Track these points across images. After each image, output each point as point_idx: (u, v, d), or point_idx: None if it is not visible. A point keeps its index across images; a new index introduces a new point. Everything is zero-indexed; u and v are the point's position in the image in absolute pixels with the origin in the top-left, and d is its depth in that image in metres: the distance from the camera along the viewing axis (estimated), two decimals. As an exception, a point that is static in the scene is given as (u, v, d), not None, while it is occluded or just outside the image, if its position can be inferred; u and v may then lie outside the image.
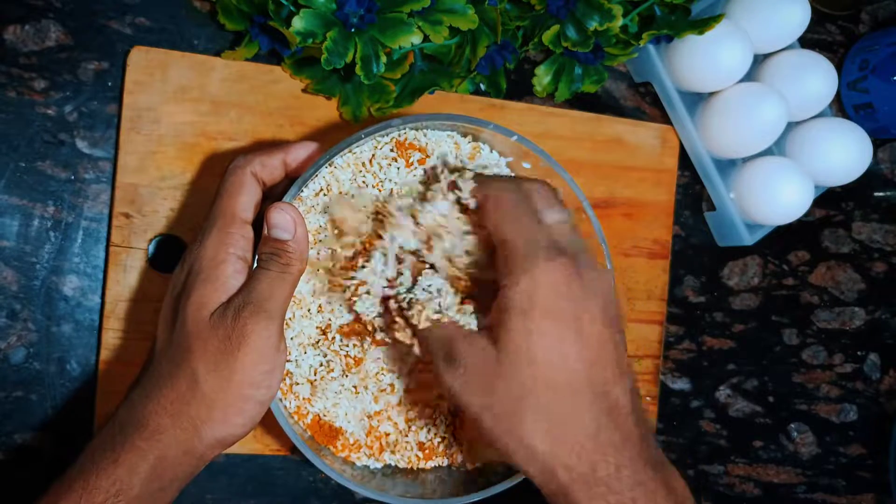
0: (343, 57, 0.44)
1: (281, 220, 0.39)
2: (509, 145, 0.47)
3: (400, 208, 0.42)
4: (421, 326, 0.39)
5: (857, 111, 0.64)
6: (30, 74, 0.47)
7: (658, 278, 0.59)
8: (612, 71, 0.59)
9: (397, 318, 0.41)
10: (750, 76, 0.57)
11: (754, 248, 0.63)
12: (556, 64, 0.55)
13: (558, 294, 0.35)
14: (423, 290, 0.40)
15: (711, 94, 0.58)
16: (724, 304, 0.63)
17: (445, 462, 0.47)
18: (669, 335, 0.61)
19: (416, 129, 0.46)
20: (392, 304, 0.42)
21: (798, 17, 0.56)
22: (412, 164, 0.45)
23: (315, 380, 0.44)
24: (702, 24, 0.52)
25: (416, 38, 0.46)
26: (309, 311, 0.44)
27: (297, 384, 0.45)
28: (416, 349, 0.41)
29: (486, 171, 0.45)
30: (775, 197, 0.57)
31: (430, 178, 0.45)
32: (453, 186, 0.41)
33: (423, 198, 0.43)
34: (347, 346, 0.45)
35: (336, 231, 0.44)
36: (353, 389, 0.45)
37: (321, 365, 0.44)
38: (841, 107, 0.65)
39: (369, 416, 0.46)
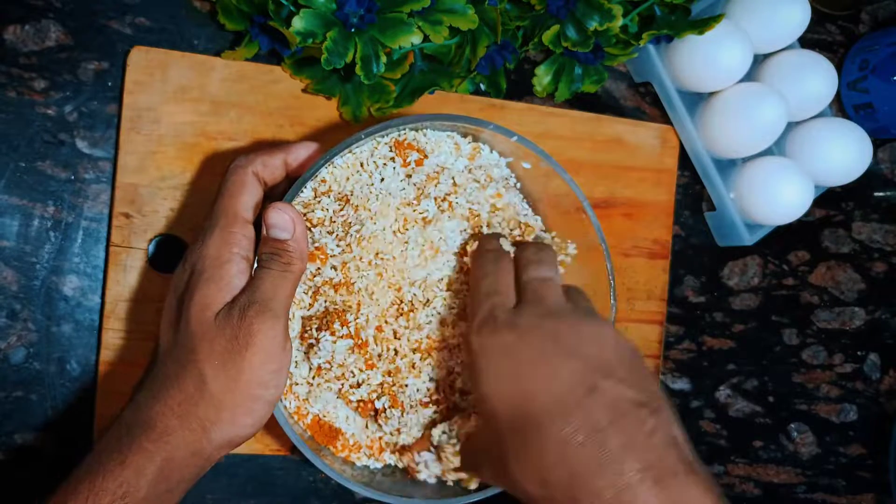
0: (343, 57, 0.44)
1: (279, 219, 0.40)
2: (509, 145, 0.47)
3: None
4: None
5: (857, 111, 0.64)
6: (30, 74, 0.47)
7: (658, 278, 0.59)
8: (612, 71, 0.59)
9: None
10: (750, 76, 0.57)
11: (754, 248, 0.63)
12: (556, 64, 0.55)
13: (492, 355, 0.38)
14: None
15: (711, 94, 0.58)
16: (724, 304, 0.63)
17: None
18: (669, 335, 0.61)
19: (416, 130, 0.46)
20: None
21: (798, 17, 0.56)
22: (409, 163, 0.45)
23: (313, 382, 0.44)
24: (702, 24, 0.52)
25: (416, 38, 0.46)
26: (308, 310, 0.44)
27: (297, 384, 0.45)
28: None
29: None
30: (775, 197, 0.57)
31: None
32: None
33: None
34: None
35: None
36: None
37: (319, 367, 0.44)
38: (841, 107, 0.65)
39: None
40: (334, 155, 0.42)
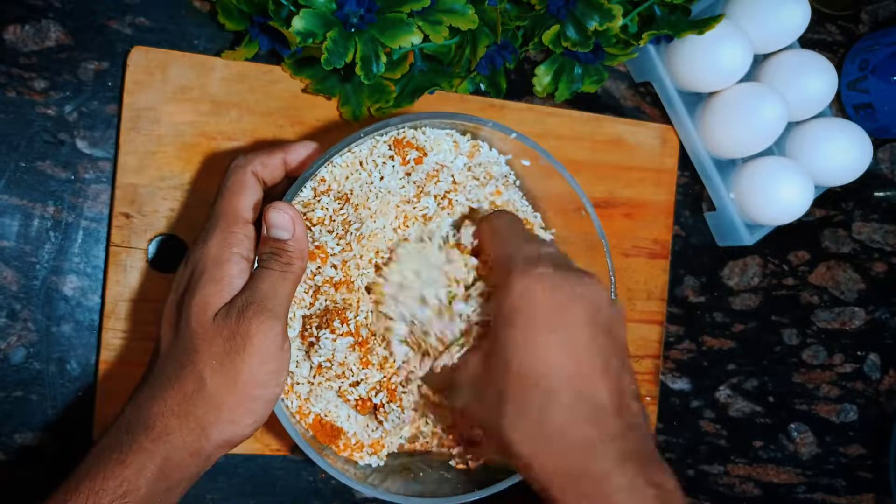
0: (343, 57, 0.44)
1: (279, 219, 0.40)
2: (509, 143, 0.47)
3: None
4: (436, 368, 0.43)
5: (857, 111, 0.64)
6: (30, 74, 0.47)
7: (658, 278, 0.59)
8: (612, 71, 0.59)
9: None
10: (750, 76, 0.57)
11: (754, 248, 0.63)
12: (556, 64, 0.55)
13: (535, 302, 0.37)
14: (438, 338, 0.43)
15: (711, 94, 0.58)
16: (724, 304, 0.63)
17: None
18: (669, 335, 0.61)
19: (416, 129, 0.46)
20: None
21: (798, 17, 0.56)
22: (408, 161, 0.45)
23: (314, 381, 0.44)
24: (702, 24, 0.52)
25: (416, 38, 0.46)
26: (309, 309, 0.44)
27: (298, 384, 0.45)
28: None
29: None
30: (775, 197, 0.57)
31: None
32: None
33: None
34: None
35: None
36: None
37: (320, 366, 0.44)
38: (841, 107, 0.65)
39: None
40: (333, 154, 0.42)
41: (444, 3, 0.47)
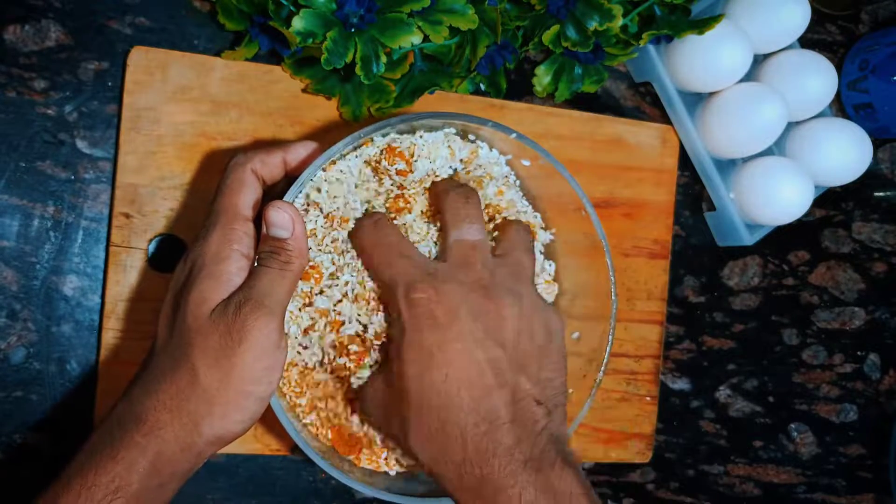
0: (343, 57, 0.44)
1: (279, 218, 0.40)
2: (509, 143, 0.47)
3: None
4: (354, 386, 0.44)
5: (857, 111, 0.64)
6: (30, 74, 0.47)
7: (658, 278, 0.59)
8: (612, 71, 0.59)
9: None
10: (750, 76, 0.57)
11: (754, 248, 0.63)
12: (556, 64, 0.55)
13: (419, 329, 0.38)
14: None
15: (711, 94, 0.58)
16: (724, 304, 0.63)
17: None
18: (669, 335, 0.61)
19: (413, 132, 0.46)
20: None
21: (798, 17, 0.56)
22: (391, 173, 0.45)
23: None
24: (702, 24, 0.52)
25: (416, 38, 0.46)
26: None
27: (319, 409, 0.45)
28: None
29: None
30: (775, 197, 0.57)
31: None
32: None
33: None
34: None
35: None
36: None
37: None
38: (841, 107, 0.65)
39: None
40: (333, 154, 0.42)
41: (444, 3, 0.47)
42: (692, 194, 0.61)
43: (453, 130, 0.47)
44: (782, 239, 0.64)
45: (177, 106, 0.48)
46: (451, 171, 0.47)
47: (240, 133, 0.49)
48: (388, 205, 0.45)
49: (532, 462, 0.36)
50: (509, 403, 0.38)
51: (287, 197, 0.42)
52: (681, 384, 0.62)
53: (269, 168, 0.42)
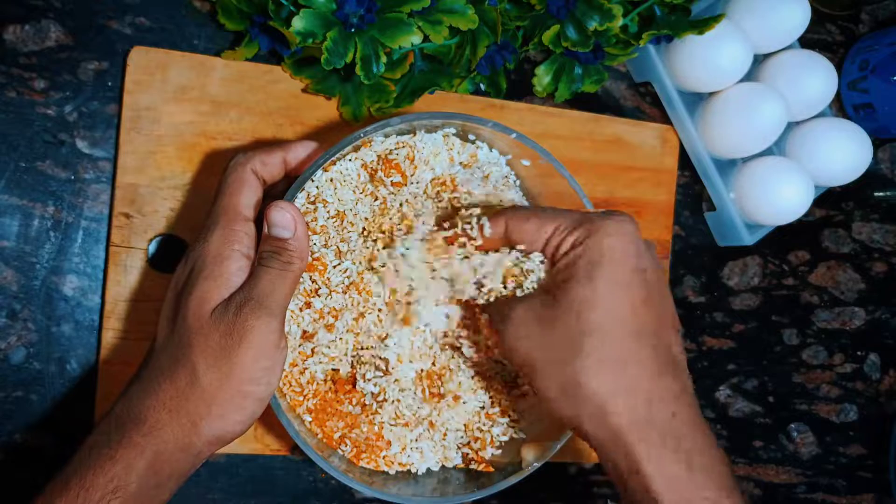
0: (343, 57, 0.44)
1: (281, 218, 0.40)
2: (509, 143, 0.47)
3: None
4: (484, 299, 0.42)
5: (857, 111, 0.64)
6: (30, 74, 0.47)
7: (658, 278, 0.59)
8: (612, 71, 0.59)
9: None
10: (750, 76, 0.57)
11: (754, 248, 0.63)
12: (556, 64, 0.55)
13: (626, 246, 0.37)
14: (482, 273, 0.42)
15: (711, 94, 0.58)
16: (724, 304, 0.63)
17: (445, 463, 0.47)
18: (669, 335, 0.61)
19: (412, 133, 0.46)
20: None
21: (798, 17, 0.56)
22: (387, 185, 0.45)
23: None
24: (702, 24, 0.52)
25: (416, 38, 0.46)
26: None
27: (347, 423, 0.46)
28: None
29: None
30: (775, 197, 0.57)
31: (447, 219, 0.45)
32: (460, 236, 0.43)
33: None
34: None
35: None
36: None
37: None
38: (841, 107, 0.65)
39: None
40: (334, 154, 0.42)
41: (444, 3, 0.47)
42: (692, 194, 0.61)
43: (453, 131, 0.47)
44: (782, 239, 0.64)
45: (177, 106, 0.48)
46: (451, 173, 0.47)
47: (240, 133, 0.49)
48: (385, 221, 0.45)
49: (698, 410, 0.37)
50: (681, 349, 0.38)
51: (287, 196, 0.42)
52: (681, 384, 0.62)
53: (270, 168, 0.42)
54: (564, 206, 0.47)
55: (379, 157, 0.45)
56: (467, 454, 0.47)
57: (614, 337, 0.36)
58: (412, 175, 0.46)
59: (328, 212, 0.44)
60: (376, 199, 0.45)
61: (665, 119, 0.60)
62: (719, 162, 0.59)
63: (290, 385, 0.45)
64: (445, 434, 0.46)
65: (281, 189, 0.44)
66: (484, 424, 0.46)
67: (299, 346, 0.44)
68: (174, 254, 0.48)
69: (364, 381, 0.45)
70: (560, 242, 0.39)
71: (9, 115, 0.47)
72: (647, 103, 0.60)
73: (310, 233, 0.44)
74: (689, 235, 0.61)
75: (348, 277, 0.44)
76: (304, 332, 0.44)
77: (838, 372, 0.66)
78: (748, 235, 0.59)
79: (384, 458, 0.45)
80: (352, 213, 0.45)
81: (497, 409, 0.46)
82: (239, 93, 0.49)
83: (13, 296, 0.47)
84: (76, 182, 0.48)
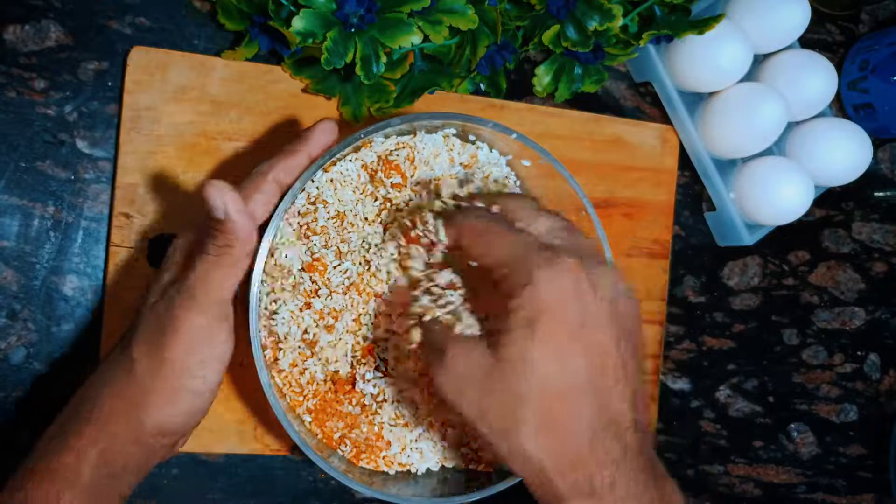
0: (343, 57, 0.44)
1: (211, 196, 0.36)
2: (509, 144, 0.47)
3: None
4: (425, 319, 0.40)
5: (857, 111, 0.64)
6: (30, 74, 0.47)
7: (658, 278, 0.59)
8: (612, 71, 0.59)
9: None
10: (750, 76, 0.57)
11: (754, 248, 0.63)
12: (556, 64, 0.55)
13: (564, 298, 0.34)
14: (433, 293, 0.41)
15: (711, 94, 0.58)
16: (724, 304, 0.63)
17: (445, 464, 0.47)
18: (669, 335, 0.61)
19: (413, 133, 0.46)
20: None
21: (798, 17, 0.56)
22: (386, 186, 0.45)
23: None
24: (702, 24, 0.52)
25: (416, 38, 0.46)
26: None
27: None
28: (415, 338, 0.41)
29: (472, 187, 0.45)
30: (775, 197, 0.57)
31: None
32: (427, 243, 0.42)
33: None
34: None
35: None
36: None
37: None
38: (841, 107, 0.65)
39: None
40: (334, 154, 0.42)
41: (444, 3, 0.47)
42: (692, 194, 0.61)
43: (453, 131, 0.47)
44: (782, 239, 0.64)
45: (177, 106, 0.48)
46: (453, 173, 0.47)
47: (240, 133, 0.49)
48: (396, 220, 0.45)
49: (649, 469, 0.34)
50: (630, 405, 0.35)
51: (287, 195, 0.41)
52: (681, 384, 0.62)
53: (295, 173, 0.41)
54: (564, 206, 0.47)
55: (379, 157, 0.45)
56: (467, 454, 0.47)
57: (551, 405, 0.34)
58: (412, 176, 0.46)
59: (328, 212, 0.44)
60: (376, 200, 0.45)
61: (665, 119, 0.60)
62: (719, 162, 0.59)
63: (290, 385, 0.45)
64: (445, 434, 0.46)
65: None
66: None
67: (299, 346, 0.44)
68: (174, 254, 0.48)
69: (363, 382, 0.45)
70: (501, 279, 0.36)
71: (9, 115, 0.47)
72: (647, 103, 0.60)
73: (310, 233, 0.44)
74: (689, 235, 0.61)
75: (348, 278, 0.44)
76: (305, 332, 0.44)
77: (838, 372, 0.66)
78: (748, 235, 0.59)
79: (384, 458, 0.45)
80: (352, 213, 0.45)
81: None
82: (239, 93, 0.49)
83: (13, 296, 0.47)
84: (76, 182, 0.48)
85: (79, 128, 0.48)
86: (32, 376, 0.47)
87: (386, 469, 0.46)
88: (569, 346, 0.34)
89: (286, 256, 0.44)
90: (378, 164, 0.45)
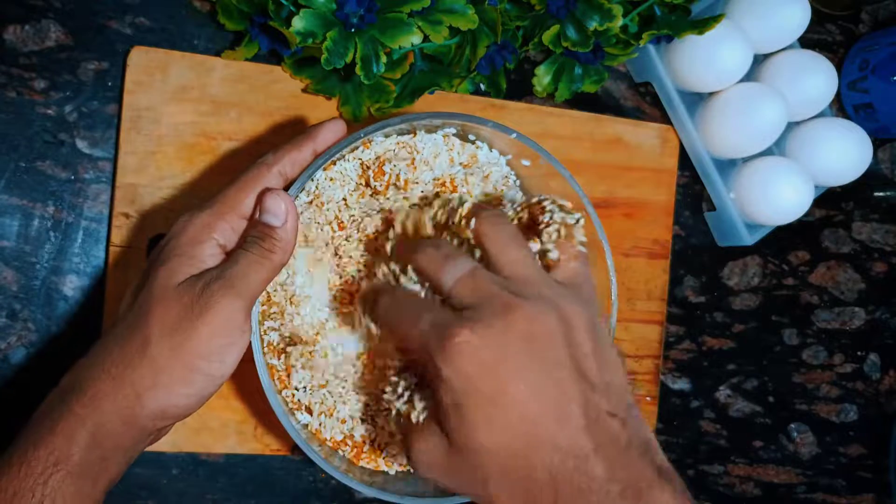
0: (343, 57, 0.44)
1: (274, 205, 0.39)
2: (509, 143, 0.47)
3: None
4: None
5: (857, 111, 0.64)
6: (30, 74, 0.47)
7: (658, 278, 0.59)
8: (612, 71, 0.59)
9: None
10: (750, 76, 0.57)
11: (754, 248, 0.63)
12: (556, 64, 0.55)
13: (480, 374, 0.34)
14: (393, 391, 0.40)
15: (711, 94, 0.58)
16: (724, 304, 0.63)
17: None
18: (669, 335, 0.61)
19: (412, 133, 0.46)
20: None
21: (798, 17, 0.56)
22: (377, 188, 0.45)
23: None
24: (702, 24, 0.52)
25: (416, 38, 0.46)
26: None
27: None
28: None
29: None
30: (775, 197, 0.57)
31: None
32: None
33: None
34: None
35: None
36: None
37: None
38: (841, 107, 0.65)
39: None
40: (334, 154, 0.42)
41: (444, 3, 0.47)
42: (692, 194, 0.61)
43: (452, 131, 0.47)
44: (782, 239, 0.64)
45: (177, 106, 0.48)
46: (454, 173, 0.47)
47: (240, 133, 0.49)
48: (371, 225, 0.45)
49: (629, 489, 0.33)
50: (585, 428, 0.33)
51: (291, 191, 0.41)
52: (681, 384, 0.62)
53: (300, 167, 0.42)
54: (564, 206, 0.47)
55: (364, 163, 0.45)
56: None
57: (506, 480, 0.34)
58: (412, 177, 0.46)
59: (328, 212, 0.44)
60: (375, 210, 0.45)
61: (665, 119, 0.60)
62: (719, 162, 0.59)
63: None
64: None
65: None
66: None
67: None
68: (174, 254, 0.48)
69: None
70: (424, 366, 0.36)
71: (9, 115, 0.47)
72: (647, 103, 0.60)
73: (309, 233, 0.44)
74: (689, 235, 0.62)
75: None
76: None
77: (838, 372, 0.66)
78: (748, 235, 0.59)
79: (384, 458, 0.45)
80: (348, 216, 0.45)
81: None
82: (239, 93, 0.49)
83: (13, 296, 0.47)
84: (76, 182, 0.48)
85: (79, 128, 0.48)
86: (32, 376, 0.47)
87: (386, 469, 0.46)
88: (503, 414, 0.33)
89: None
90: (373, 165, 0.45)
